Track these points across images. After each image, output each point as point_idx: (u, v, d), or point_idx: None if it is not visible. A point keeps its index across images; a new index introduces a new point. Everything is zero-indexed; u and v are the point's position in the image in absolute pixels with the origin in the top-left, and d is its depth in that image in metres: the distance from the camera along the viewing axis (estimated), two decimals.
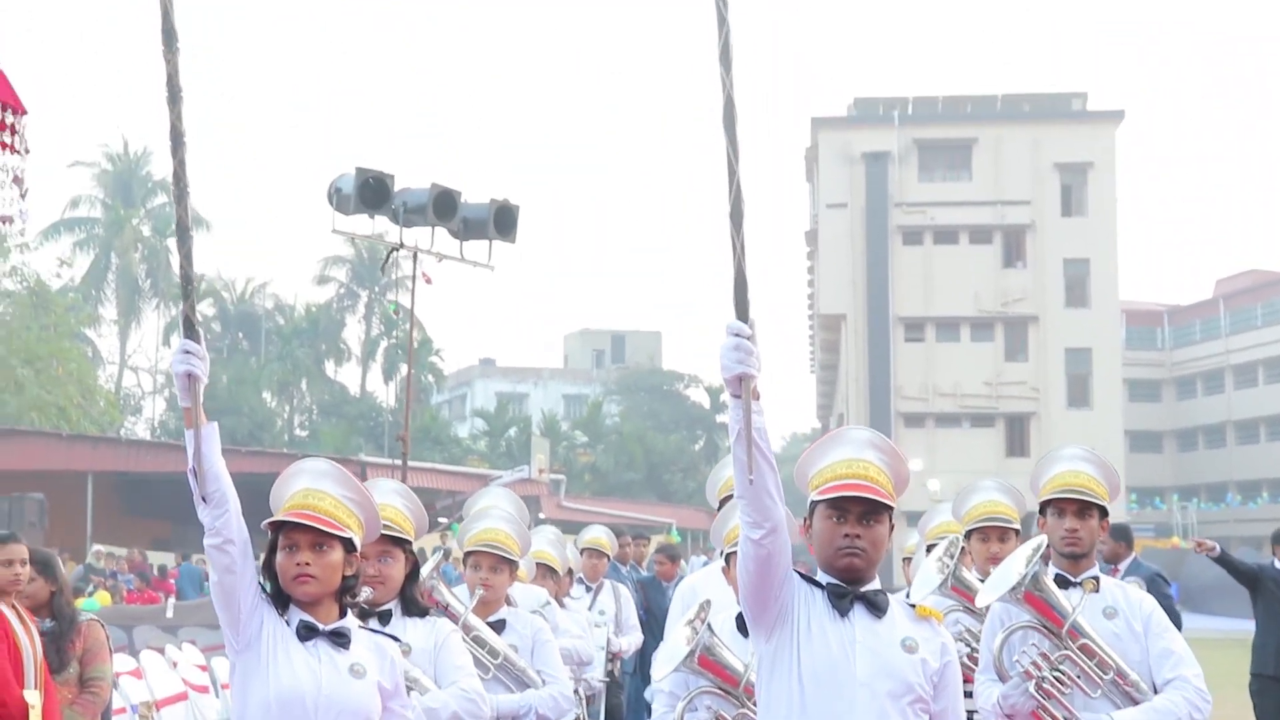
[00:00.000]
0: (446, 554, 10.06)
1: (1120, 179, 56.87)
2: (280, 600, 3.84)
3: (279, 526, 3.83)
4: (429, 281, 16.00)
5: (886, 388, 54.32)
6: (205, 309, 64.69)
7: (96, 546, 26.42)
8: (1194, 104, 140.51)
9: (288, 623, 3.81)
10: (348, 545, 3.88)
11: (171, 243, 63.25)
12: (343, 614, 3.91)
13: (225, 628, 3.81)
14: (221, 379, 59.37)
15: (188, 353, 3.63)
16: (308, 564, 3.78)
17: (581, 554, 10.16)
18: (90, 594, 19.77)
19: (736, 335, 3.43)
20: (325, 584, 3.81)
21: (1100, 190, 55.47)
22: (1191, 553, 42.98)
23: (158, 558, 28.59)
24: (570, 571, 9.14)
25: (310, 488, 3.89)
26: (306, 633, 3.80)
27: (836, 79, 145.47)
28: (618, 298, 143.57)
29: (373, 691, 3.82)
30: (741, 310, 3.47)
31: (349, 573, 3.89)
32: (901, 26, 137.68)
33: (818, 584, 3.78)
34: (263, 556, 3.89)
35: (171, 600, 18.33)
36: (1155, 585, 9.95)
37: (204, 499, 3.64)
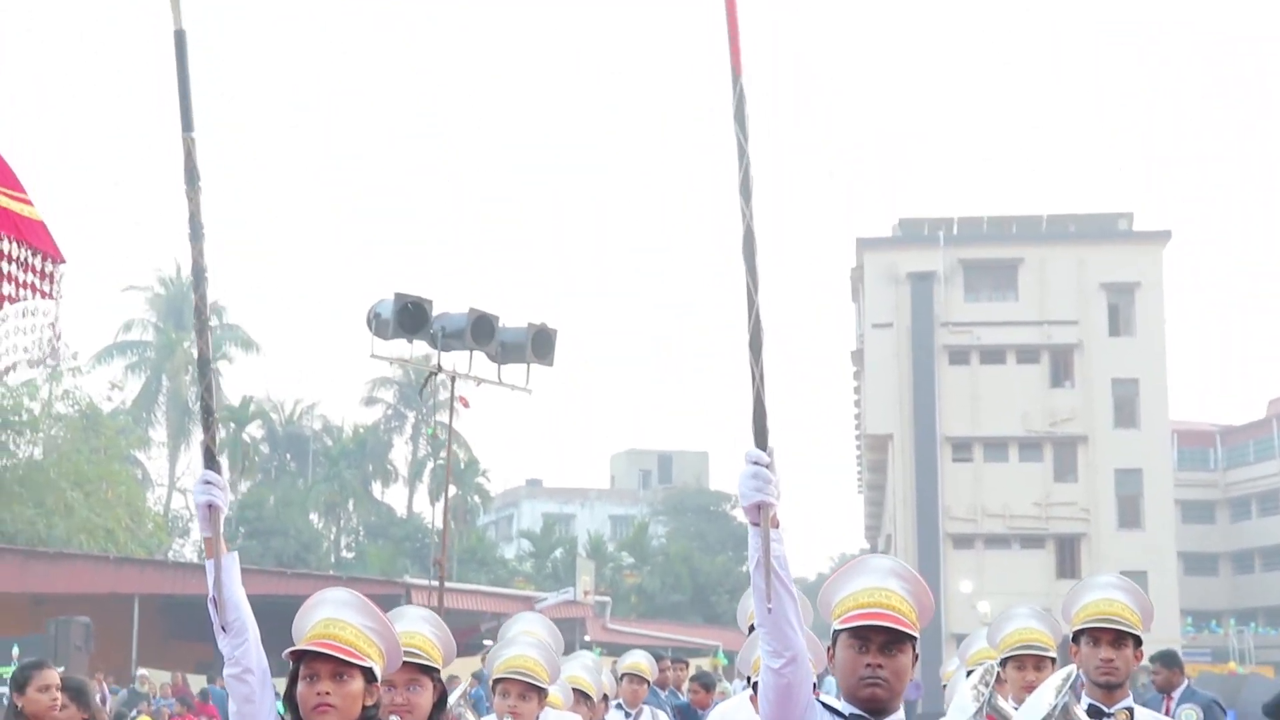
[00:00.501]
0: (480, 678, 9.99)
1: (1168, 298, 56.80)
2: None
3: (300, 656, 3.84)
4: (466, 405, 16.11)
5: (934, 508, 53.92)
6: (254, 430, 65.07)
7: (141, 671, 26.43)
8: (1242, 222, 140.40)
9: None
10: (368, 675, 3.89)
11: (223, 365, 63.97)
12: None
13: None
14: (269, 500, 59.66)
15: (208, 483, 3.69)
16: (328, 693, 3.77)
17: (621, 679, 10.10)
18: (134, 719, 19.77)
19: (755, 463, 3.44)
20: (345, 714, 3.81)
21: (1148, 310, 55.35)
22: (1250, 678, 42.21)
23: (200, 681, 28.55)
24: (606, 697, 9.07)
25: (331, 617, 3.90)
26: None
27: (881, 200, 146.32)
28: (664, 418, 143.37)
29: None
30: (760, 438, 3.49)
31: (369, 702, 3.89)
32: (945, 147, 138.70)
33: (840, 714, 3.75)
34: (284, 686, 3.89)
35: None
36: (1212, 713, 9.83)
37: (223, 628, 3.68)
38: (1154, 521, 53.97)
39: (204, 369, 3.90)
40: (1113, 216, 59.19)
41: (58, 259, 5.14)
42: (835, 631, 3.80)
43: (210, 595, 3.70)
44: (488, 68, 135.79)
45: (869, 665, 3.69)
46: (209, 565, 3.70)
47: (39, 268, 5.05)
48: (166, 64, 3.83)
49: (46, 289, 5.11)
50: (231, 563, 3.73)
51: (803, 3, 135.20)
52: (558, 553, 63.15)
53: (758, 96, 3.65)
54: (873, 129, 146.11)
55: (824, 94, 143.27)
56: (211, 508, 3.69)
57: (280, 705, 3.89)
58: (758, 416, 3.50)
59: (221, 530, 3.76)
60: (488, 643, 31.27)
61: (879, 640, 3.70)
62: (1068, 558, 53.68)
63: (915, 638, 3.76)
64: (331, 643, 3.82)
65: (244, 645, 3.69)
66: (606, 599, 47.31)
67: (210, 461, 3.75)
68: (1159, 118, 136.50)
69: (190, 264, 3.85)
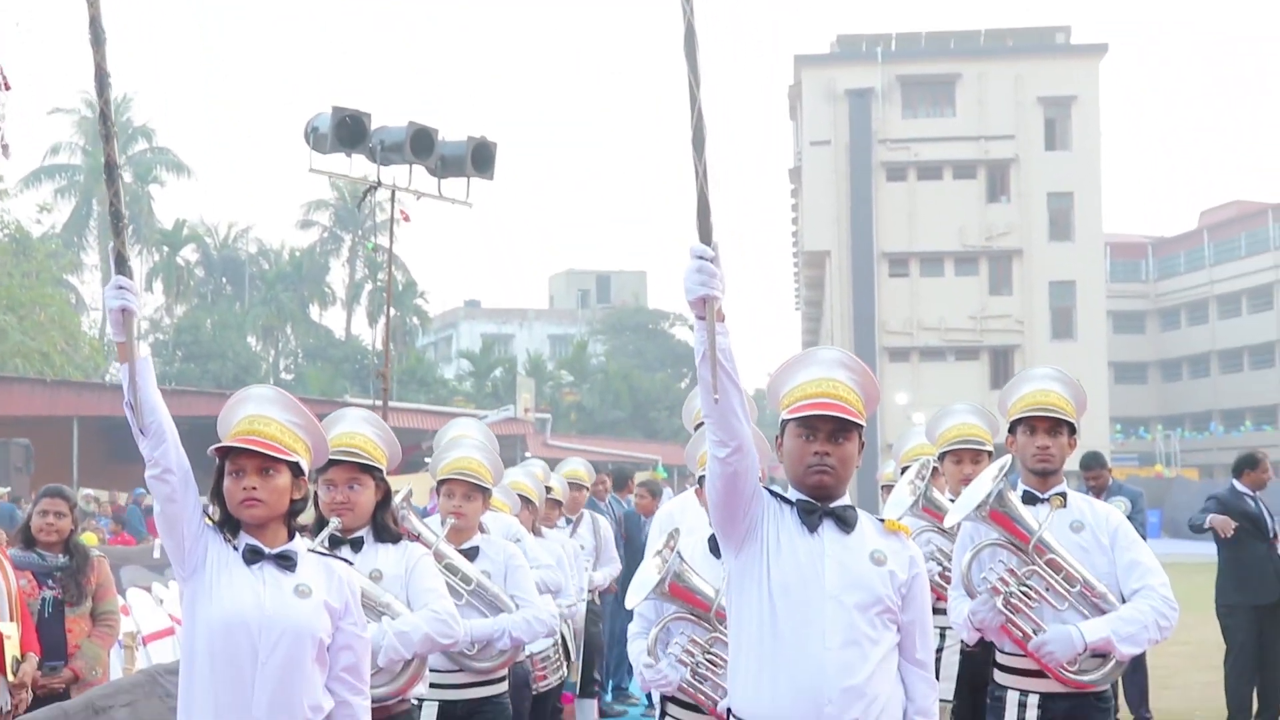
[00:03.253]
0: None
1: (1104, 112, 56.87)
2: (230, 525, 3.87)
3: (226, 452, 3.85)
4: (407, 219, 15.95)
5: (871, 323, 54.42)
6: (189, 254, 64.47)
7: (85, 490, 26.47)
8: (1178, 36, 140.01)
9: (235, 548, 3.84)
10: (295, 470, 3.90)
11: (154, 189, 63.00)
12: (291, 537, 3.95)
13: (171, 556, 3.85)
14: (205, 324, 59.32)
15: (121, 288, 3.62)
16: (254, 488, 3.81)
17: None
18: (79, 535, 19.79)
19: (699, 258, 3.42)
20: (273, 508, 3.85)
21: (1084, 124, 55.39)
22: (1175, 481, 43.37)
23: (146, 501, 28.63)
24: (559, 502, 9.18)
25: (256, 414, 3.91)
26: (252, 556, 3.84)
27: (819, 16, 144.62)
28: (603, 238, 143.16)
29: (318, 611, 3.85)
30: (704, 233, 3.46)
31: (297, 496, 3.93)
32: None
33: (788, 500, 3.80)
34: (211, 483, 3.91)
35: (158, 541, 18.38)
36: (1139, 504, 10.37)
37: (142, 431, 3.65)
38: (1086, 332, 54.72)
39: (111, 173, 3.80)
40: (1050, 30, 58.88)
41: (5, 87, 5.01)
42: (783, 422, 3.84)
43: (126, 400, 3.67)
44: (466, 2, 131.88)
45: (816, 453, 3.74)
46: (123, 370, 3.66)
47: None
48: None
49: None
50: (146, 366, 3.68)
51: None
52: (497, 372, 63.34)
53: None
54: None
55: None
56: (125, 312, 3.63)
57: (209, 502, 3.91)
58: (701, 213, 3.47)
59: (135, 335, 3.70)
60: (428, 460, 31.51)
61: (826, 429, 3.74)
62: (1001, 369, 54.42)
63: (862, 426, 3.80)
64: (257, 439, 3.83)
65: (163, 446, 3.67)
66: (547, 416, 47.73)
67: (121, 266, 3.68)
68: None
69: (93, 69, 3.75)
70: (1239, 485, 10.83)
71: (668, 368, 69.92)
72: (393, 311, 62.94)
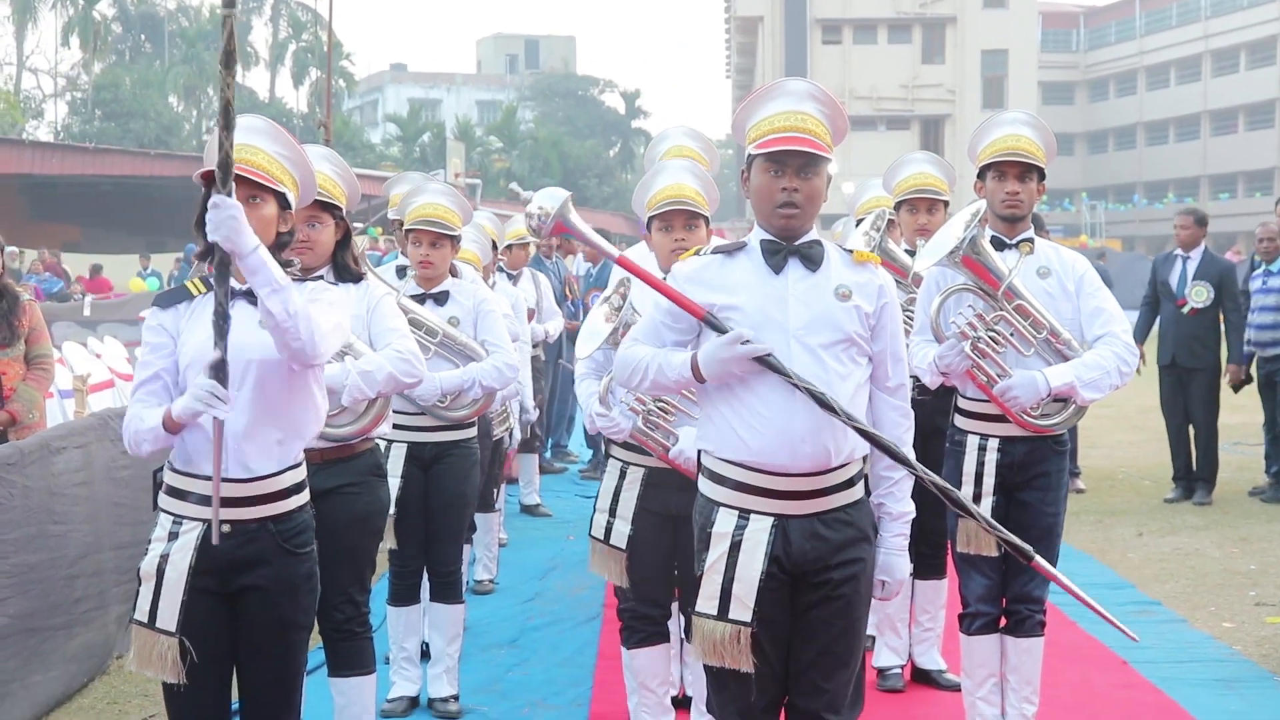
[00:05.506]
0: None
1: None
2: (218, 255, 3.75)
3: (212, 179, 3.71)
4: None
5: None
6: (104, 9, 62.55)
7: (9, 248, 26.07)
8: None
9: (210, 286, 3.73)
10: (282, 201, 3.80)
11: None
12: None
13: None
14: (125, 82, 57.90)
15: (216, 398, 3.57)
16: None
17: (508, 248, 10.11)
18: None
19: None
20: (259, 238, 3.72)
21: None
22: (1098, 251, 43.82)
23: (70, 260, 28.20)
24: (494, 260, 9.10)
25: (243, 142, 3.77)
26: None
27: None
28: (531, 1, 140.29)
29: None
30: None
31: (283, 229, 3.83)
32: None
33: (740, 246, 3.75)
34: (196, 214, 3.79)
35: (89, 298, 18.18)
36: None
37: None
38: (1016, 102, 54.55)
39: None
40: None
41: None
42: (750, 156, 3.74)
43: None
44: None
45: (785, 189, 3.64)
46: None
47: None
48: None
49: None
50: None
51: None
52: (425, 137, 62.52)
53: None
54: None
55: None
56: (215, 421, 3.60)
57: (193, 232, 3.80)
58: None
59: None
60: (358, 225, 31.11)
61: (795, 164, 3.64)
62: (932, 139, 54.46)
63: (830, 160, 3.71)
64: (244, 166, 3.71)
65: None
66: (477, 181, 47.16)
67: (220, 372, 3.55)
68: None
69: None
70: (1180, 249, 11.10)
71: (597, 135, 69.27)
72: (318, 72, 61.67)
